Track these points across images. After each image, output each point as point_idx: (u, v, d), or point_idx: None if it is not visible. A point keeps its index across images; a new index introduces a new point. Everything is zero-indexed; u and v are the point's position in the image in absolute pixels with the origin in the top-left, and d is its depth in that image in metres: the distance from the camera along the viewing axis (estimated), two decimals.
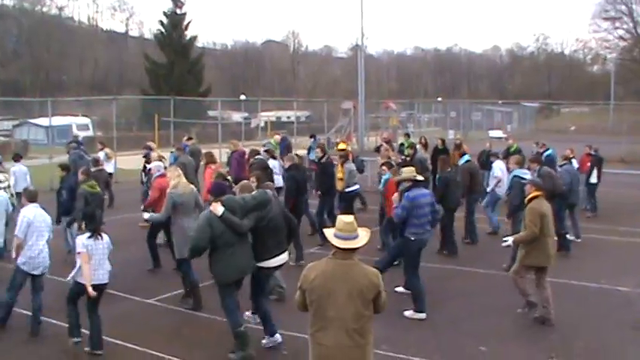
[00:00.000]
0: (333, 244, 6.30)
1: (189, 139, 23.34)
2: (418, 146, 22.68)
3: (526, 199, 11.29)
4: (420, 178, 11.74)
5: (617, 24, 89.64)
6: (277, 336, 9.76)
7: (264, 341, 9.80)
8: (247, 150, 20.02)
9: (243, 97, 53.33)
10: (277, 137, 25.83)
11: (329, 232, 6.41)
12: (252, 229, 9.60)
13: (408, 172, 11.81)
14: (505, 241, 15.75)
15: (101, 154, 22.31)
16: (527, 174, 14.56)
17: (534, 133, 62.25)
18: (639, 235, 17.87)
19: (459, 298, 12.39)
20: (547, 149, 22.15)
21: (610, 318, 11.43)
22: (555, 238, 11.66)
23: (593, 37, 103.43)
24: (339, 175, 17.23)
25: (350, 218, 6.46)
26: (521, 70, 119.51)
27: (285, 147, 24.86)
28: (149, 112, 41.87)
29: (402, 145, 25.35)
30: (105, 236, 9.45)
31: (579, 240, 16.92)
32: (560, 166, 17.73)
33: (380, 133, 40.47)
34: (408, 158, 20.33)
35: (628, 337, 10.58)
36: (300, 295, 6.38)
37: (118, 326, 10.40)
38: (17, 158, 18.91)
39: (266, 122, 51.31)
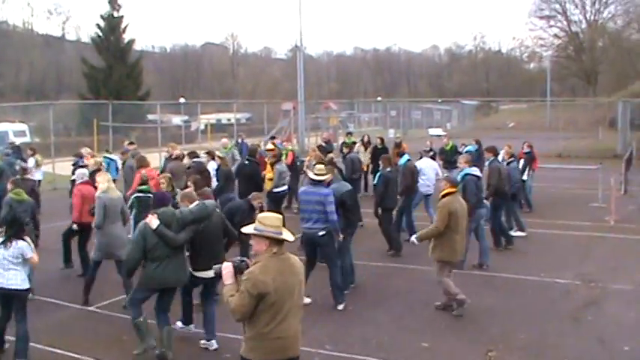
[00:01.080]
0: (279, 238, 6.29)
1: (131, 143, 23.05)
2: (357, 145, 22.74)
3: (440, 194, 11.61)
4: (314, 177, 11.84)
5: (552, 22, 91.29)
6: (213, 342, 9.86)
7: (202, 342, 9.90)
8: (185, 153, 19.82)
9: (182, 100, 52.96)
10: (224, 141, 25.06)
11: (270, 231, 6.32)
12: (189, 240, 9.63)
13: (316, 170, 12.04)
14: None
15: (31, 161, 21.93)
16: (477, 171, 14.67)
17: (473, 130, 62.99)
18: (576, 228, 18.16)
19: (400, 295, 12.45)
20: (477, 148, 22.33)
21: (550, 310, 11.61)
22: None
23: (529, 36, 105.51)
24: (268, 175, 17.40)
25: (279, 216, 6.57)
26: (459, 68, 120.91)
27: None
28: (88, 117, 41.34)
29: (343, 143, 25.40)
30: (19, 243, 9.22)
31: (525, 234, 17.21)
32: (508, 163, 17.93)
33: (320, 133, 40.53)
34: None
35: (567, 328, 10.74)
36: (251, 302, 6.18)
37: (57, 335, 10.23)
38: None
39: (206, 125, 50.99)
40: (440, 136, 45.37)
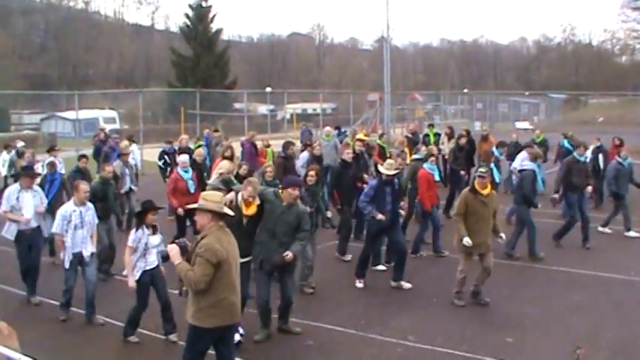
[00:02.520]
0: (221, 212, 7.11)
1: (215, 131, 23.37)
2: (442, 136, 22.47)
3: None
4: (387, 172, 12.10)
5: None
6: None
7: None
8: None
9: (268, 89, 53.16)
10: (328, 129, 24.66)
11: (212, 206, 7.08)
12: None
13: (387, 165, 12.39)
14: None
15: (134, 147, 21.98)
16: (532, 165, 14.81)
17: (561, 124, 61.79)
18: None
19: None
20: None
21: None
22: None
23: (621, 28, 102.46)
24: None
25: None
26: (547, 61, 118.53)
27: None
28: (175, 105, 42.09)
29: (426, 136, 25.10)
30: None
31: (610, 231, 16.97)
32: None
33: (406, 124, 40.36)
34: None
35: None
36: (212, 270, 6.81)
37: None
38: (51, 151, 18.67)
39: (292, 114, 51.27)
40: (527, 129, 44.69)
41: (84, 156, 16.43)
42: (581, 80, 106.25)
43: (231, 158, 15.84)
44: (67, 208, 10.60)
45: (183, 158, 14.88)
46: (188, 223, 14.01)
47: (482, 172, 11.21)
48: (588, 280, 12.21)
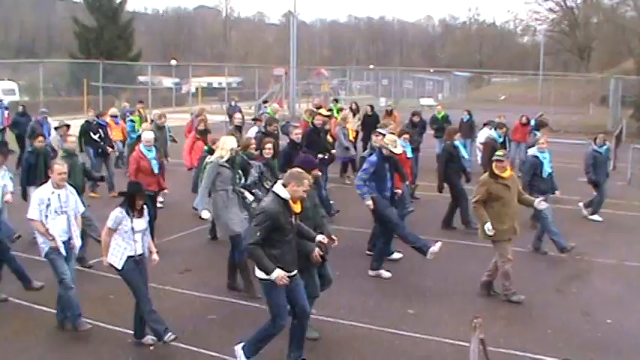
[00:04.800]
0: None
1: (140, 102, 23.26)
2: (346, 112, 22.46)
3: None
4: (394, 150, 11.86)
5: None
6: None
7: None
8: None
9: (173, 62, 52.51)
10: (275, 106, 24.19)
11: None
12: None
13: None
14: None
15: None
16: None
17: (465, 101, 62.90)
18: (564, 202, 17.90)
19: (388, 264, 12.38)
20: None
21: (536, 281, 11.80)
22: None
23: (524, 9, 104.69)
24: None
25: None
26: (452, 39, 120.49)
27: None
28: (78, 77, 41.20)
29: (330, 110, 25.07)
30: None
31: None
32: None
33: (312, 99, 40.37)
34: None
35: (552, 299, 10.91)
36: None
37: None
38: None
39: (197, 88, 50.75)
40: (431, 106, 45.33)
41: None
42: (485, 59, 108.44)
43: (204, 132, 16.14)
44: (45, 190, 9.22)
45: (147, 136, 13.49)
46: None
47: (499, 155, 10.72)
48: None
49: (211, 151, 12.78)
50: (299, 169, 8.04)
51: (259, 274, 7.70)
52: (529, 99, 59.87)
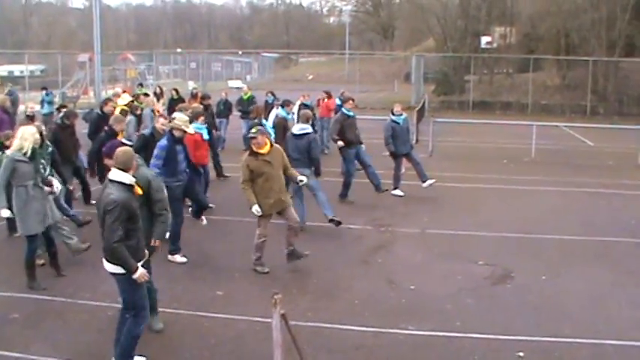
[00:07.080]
0: None
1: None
2: (150, 97, 22.02)
3: None
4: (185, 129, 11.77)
5: None
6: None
7: None
8: None
9: None
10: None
11: None
12: None
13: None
14: None
15: None
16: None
17: (273, 82, 63.47)
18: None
19: (193, 246, 12.26)
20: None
21: (343, 255, 12.01)
22: None
23: None
24: None
25: None
26: (260, 21, 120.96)
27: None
28: None
29: (134, 96, 24.49)
30: None
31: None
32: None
33: (119, 85, 39.54)
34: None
35: (359, 271, 11.14)
36: None
37: None
38: None
39: None
40: (240, 88, 45.35)
41: None
42: (292, 40, 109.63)
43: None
44: None
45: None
46: None
47: (253, 132, 10.90)
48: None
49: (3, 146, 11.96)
50: (123, 150, 7.71)
51: (114, 269, 7.40)
52: (336, 78, 61.26)
